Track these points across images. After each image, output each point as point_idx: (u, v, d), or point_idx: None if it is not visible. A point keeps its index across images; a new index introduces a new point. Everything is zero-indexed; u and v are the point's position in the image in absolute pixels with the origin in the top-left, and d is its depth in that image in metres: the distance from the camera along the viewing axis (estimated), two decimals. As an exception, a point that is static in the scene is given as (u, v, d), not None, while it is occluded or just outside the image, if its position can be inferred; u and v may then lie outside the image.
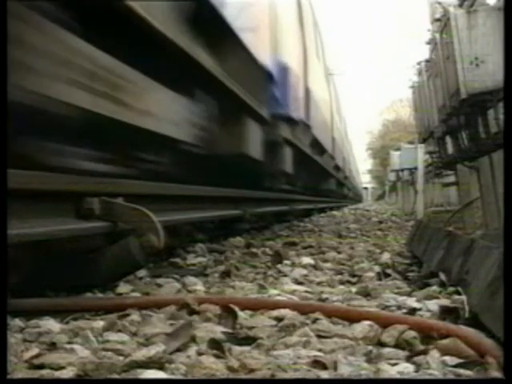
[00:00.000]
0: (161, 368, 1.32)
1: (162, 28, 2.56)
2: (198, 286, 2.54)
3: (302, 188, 9.35)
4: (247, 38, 4.25)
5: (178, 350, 1.48)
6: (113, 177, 2.62)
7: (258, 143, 4.98)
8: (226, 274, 2.88)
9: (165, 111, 3.12)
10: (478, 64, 3.65)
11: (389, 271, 2.96)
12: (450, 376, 1.30)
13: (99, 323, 1.75)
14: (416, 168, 11.06)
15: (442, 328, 1.56)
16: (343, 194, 22.76)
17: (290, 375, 1.27)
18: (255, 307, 1.92)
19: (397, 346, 1.53)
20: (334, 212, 15.33)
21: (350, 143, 29.73)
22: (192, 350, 1.46)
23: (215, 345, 1.48)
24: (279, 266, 3.25)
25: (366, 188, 59.72)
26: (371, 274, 2.88)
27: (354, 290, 2.46)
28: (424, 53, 5.78)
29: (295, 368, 1.31)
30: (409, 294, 2.29)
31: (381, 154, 39.48)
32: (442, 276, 2.41)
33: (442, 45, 4.23)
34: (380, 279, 2.77)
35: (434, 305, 1.98)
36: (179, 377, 1.29)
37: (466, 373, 1.32)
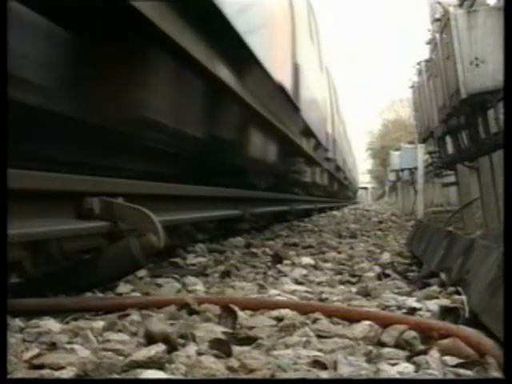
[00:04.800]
0: (161, 368, 1.32)
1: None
2: (198, 286, 2.54)
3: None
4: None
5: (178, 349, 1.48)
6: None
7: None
8: (225, 274, 2.88)
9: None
10: (478, 64, 3.65)
11: (389, 271, 2.96)
12: (450, 376, 1.30)
13: (99, 323, 1.74)
14: (416, 168, 11.06)
15: (441, 328, 1.56)
16: (344, 195, 22.96)
17: (289, 375, 1.27)
18: (255, 307, 1.92)
19: (397, 346, 1.53)
20: (334, 212, 15.34)
21: (352, 154, 30.37)
22: (192, 350, 1.46)
23: (220, 345, 1.47)
24: (279, 266, 3.25)
25: (365, 188, 59.70)
26: (371, 274, 2.88)
27: (354, 289, 2.46)
28: (424, 53, 5.78)
29: (295, 368, 1.31)
30: (409, 294, 2.29)
31: (381, 154, 39.46)
32: (443, 276, 2.41)
33: (442, 45, 4.23)
34: (380, 279, 2.77)
35: (434, 305, 1.98)
36: (179, 377, 1.29)
37: (466, 373, 1.31)
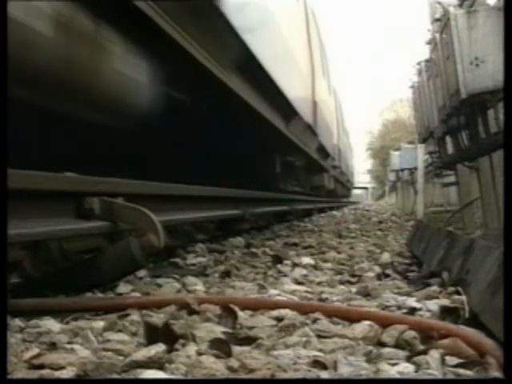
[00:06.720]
0: (161, 368, 1.32)
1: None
2: (198, 286, 2.54)
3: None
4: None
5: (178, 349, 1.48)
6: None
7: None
8: (225, 274, 2.88)
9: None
10: (478, 64, 3.65)
11: (389, 271, 2.96)
12: (450, 376, 1.30)
13: (99, 323, 1.74)
14: (416, 168, 11.06)
15: (442, 328, 1.56)
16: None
17: (289, 375, 1.27)
18: (255, 307, 1.92)
19: (397, 346, 1.53)
20: (334, 212, 15.34)
21: (352, 152, 30.79)
22: (192, 350, 1.45)
23: (220, 345, 1.47)
24: (279, 265, 3.25)
25: (366, 188, 59.73)
26: (371, 274, 2.88)
27: (354, 289, 2.46)
28: (424, 53, 5.77)
29: (295, 368, 1.31)
30: (409, 294, 2.29)
31: (381, 154, 39.50)
32: (445, 275, 2.41)
33: (442, 45, 4.23)
34: (380, 279, 2.77)
35: (434, 305, 1.98)
36: (179, 377, 1.29)
37: (466, 373, 1.31)
